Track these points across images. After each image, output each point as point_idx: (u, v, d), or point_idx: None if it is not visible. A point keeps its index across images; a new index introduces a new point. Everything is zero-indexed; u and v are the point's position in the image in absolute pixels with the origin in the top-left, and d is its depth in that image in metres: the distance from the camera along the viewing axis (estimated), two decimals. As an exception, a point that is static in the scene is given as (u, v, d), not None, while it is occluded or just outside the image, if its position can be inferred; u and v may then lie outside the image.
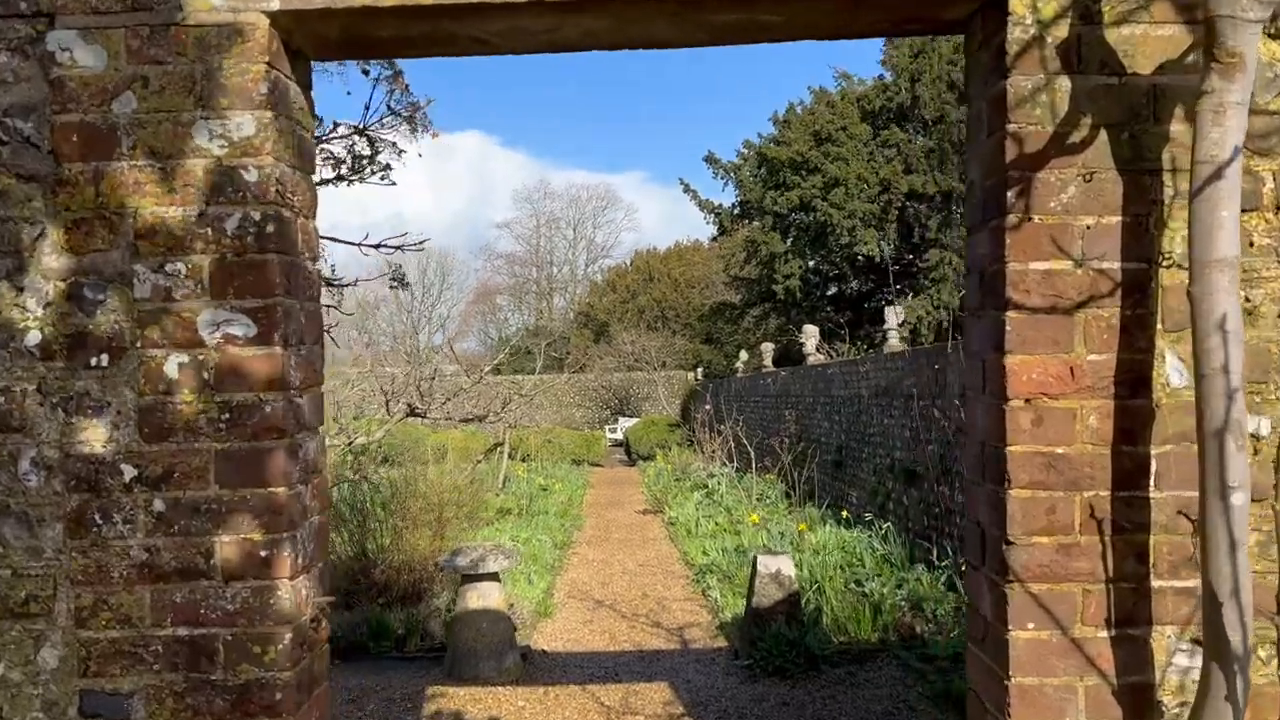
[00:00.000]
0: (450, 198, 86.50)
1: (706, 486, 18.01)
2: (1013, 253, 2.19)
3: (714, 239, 29.33)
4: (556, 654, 7.46)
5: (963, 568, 8.04)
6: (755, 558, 6.94)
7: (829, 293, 27.42)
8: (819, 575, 8.81)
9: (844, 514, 12.10)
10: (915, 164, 20.97)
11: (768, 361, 21.54)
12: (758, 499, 15.88)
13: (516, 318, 63.50)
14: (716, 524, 13.99)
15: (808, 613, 7.43)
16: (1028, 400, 2.19)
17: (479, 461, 22.54)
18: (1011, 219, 2.19)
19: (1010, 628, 2.19)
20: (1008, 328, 2.19)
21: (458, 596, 6.90)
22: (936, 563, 8.94)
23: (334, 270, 4.62)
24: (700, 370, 41.15)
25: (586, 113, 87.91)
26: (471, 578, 6.73)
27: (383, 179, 4.44)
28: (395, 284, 4.95)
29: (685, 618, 8.74)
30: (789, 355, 25.26)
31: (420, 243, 4.65)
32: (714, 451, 19.70)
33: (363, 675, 6.77)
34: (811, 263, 24.42)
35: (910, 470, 10.88)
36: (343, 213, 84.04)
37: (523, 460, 26.58)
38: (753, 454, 16.62)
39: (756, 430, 19.03)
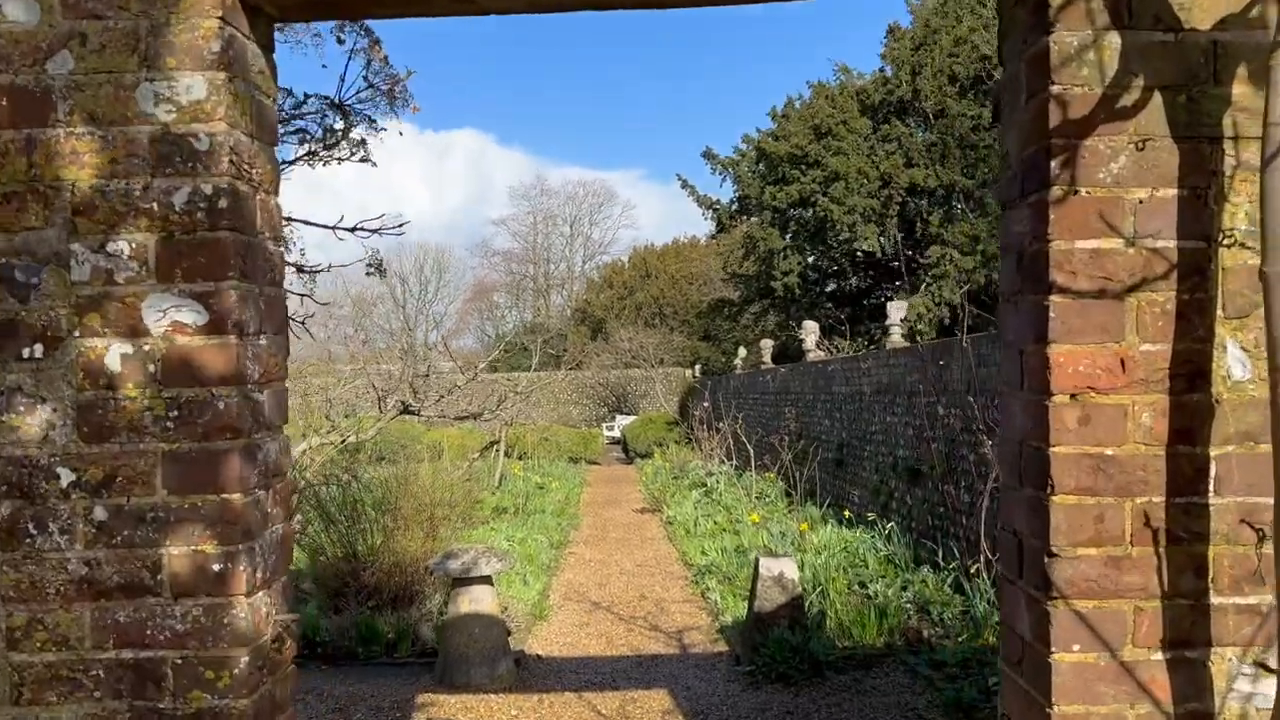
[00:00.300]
0: (448, 196, 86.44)
1: (705, 485, 17.80)
2: (1057, 230, 1.95)
3: (712, 235, 29.05)
4: (551, 659, 7.22)
5: (970, 569, 7.82)
6: (757, 560, 6.71)
7: (828, 289, 27.17)
8: (822, 577, 8.59)
9: (846, 513, 11.88)
10: (916, 158, 20.70)
11: (767, 358, 21.30)
12: (757, 498, 15.66)
13: (514, 315, 63.26)
14: (715, 523, 13.78)
15: (810, 616, 7.20)
16: (1073, 395, 1.95)
17: (475, 459, 22.37)
18: (1055, 191, 1.96)
19: (1053, 650, 1.95)
20: (1051, 314, 1.95)
21: (449, 601, 6.66)
22: (942, 564, 8.72)
23: (304, 255, 4.36)
24: (698, 367, 40.89)
25: (583, 110, 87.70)
26: (463, 581, 6.49)
27: (362, 159, 4.19)
28: (372, 270, 4.70)
29: (684, 620, 8.51)
30: (787, 352, 25.03)
31: (399, 226, 4.40)
32: (712, 450, 19.50)
33: (350, 682, 6.53)
34: (811, 259, 24.16)
35: (914, 469, 10.65)
36: (339, 210, 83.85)
37: (519, 458, 26.34)
38: (752, 452, 16.41)
39: (755, 428, 18.81)
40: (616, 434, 35.74)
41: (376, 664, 6.97)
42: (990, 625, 6.99)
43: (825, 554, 10.22)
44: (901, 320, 12.26)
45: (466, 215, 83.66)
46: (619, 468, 27.80)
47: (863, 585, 8.79)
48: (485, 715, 5.92)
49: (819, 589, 8.38)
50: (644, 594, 9.91)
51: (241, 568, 1.97)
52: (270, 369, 2.13)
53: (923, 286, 20.91)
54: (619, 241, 66.72)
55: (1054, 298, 1.95)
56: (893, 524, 10.27)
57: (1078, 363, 1.95)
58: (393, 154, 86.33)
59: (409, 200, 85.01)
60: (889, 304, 12.25)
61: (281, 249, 2.23)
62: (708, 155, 24.75)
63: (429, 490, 8.28)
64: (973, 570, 7.51)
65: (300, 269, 4.43)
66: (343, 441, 12.87)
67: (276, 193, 2.21)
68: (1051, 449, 1.95)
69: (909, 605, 7.95)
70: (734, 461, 17.61)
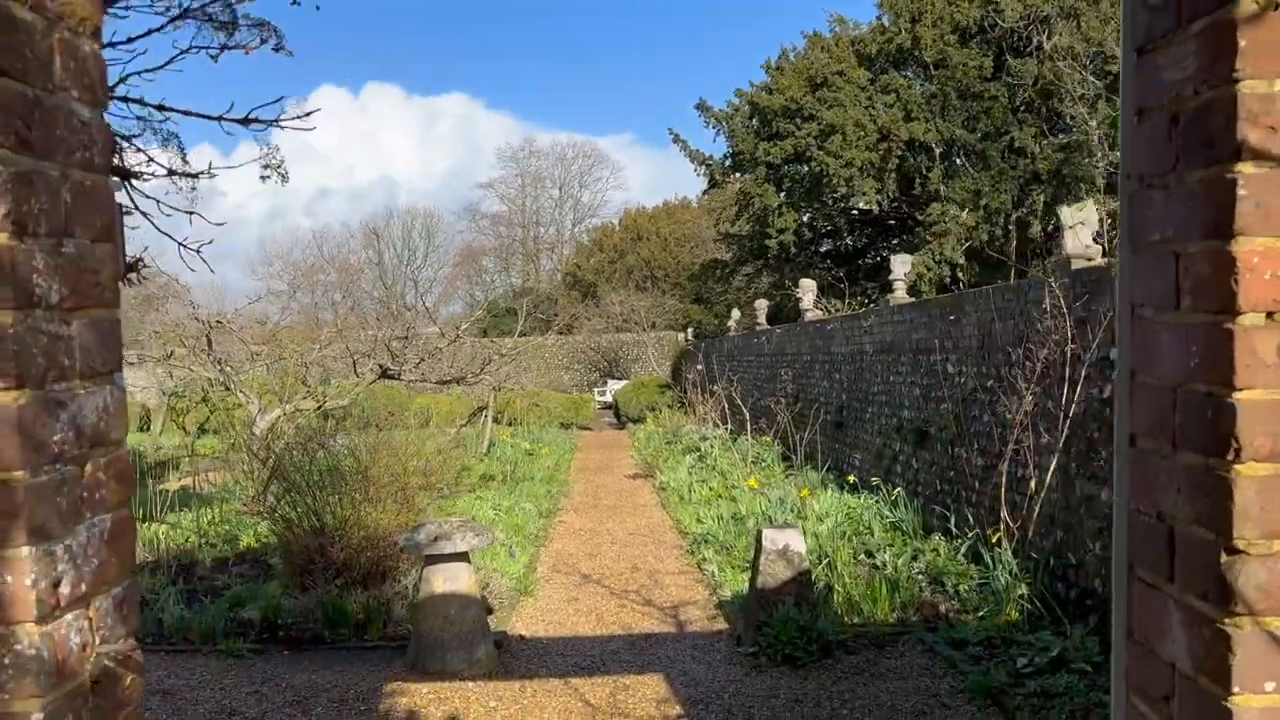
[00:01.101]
0: (437, 160, 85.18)
1: (699, 450, 17.26)
2: (1249, 63, 1.30)
3: (705, 192, 28.21)
4: (536, 640, 6.63)
5: (991, 538, 7.23)
6: (760, 532, 6.11)
7: (822, 249, 26.45)
8: (827, 547, 7.99)
9: (849, 479, 11.27)
10: (915, 111, 19.87)
11: (761, 319, 20.63)
12: (753, 462, 15.09)
13: (502, 280, 62.31)
14: (710, 489, 13.21)
15: (816, 590, 6.63)
16: (1270, 315, 1.30)
17: (463, 425, 21.82)
18: (1246, 6, 1.30)
19: (1235, 688, 1.32)
20: (1240, 192, 1.30)
21: (422, 579, 6.04)
22: (955, 531, 8.14)
23: (182, 150, 3.63)
24: (690, 330, 40.17)
25: (574, 73, 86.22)
26: (437, 558, 5.87)
27: (276, 48, 3.47)
28: (267, 173, 4.00)
29: (680, 594, 7.94)
30: (783, 313, 24.37)
31: (306, 115, 3.70)
32: (706, 414, 18.94)
33: (314, 670, 5.92)
34: (806, 216, 23.38)
35: (921, 430, 10.06)
36: (327, 176, 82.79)
37: (509, 424, 25.74)
38: (747, 415, 15.81)
39: (751, 391, 18.22)
40: (608, 399, 35.19)
41: (344, 648, 6.37)
42: (1013, 599, 6.42)
43: (828, 521, 9.65)
44: (905, 275, 11.61)
45: (456, 180, 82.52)
46: (611, 433, 27.25)
47: (869, 555, 8.22)
48: (460, 706, 5.33)
49: (824, 560, 7.81)
50: (637, 565, 9.34)
51: (29, 580, 1.32)
52: (84, 290, 1.47)
53: (922, 244, 20.22)
54: (609, 204, 65.50)
55: (1244, 167, 1.30)
56: (899, 489, 9.69)
57: (1278, 265, 1.30)
58: (380, 118, 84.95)
59: (397, 165, 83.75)
60: (892, 258, 11.58)
61: (106, 119, 1.56)
62: (701, 107, 23.83)
63: (403, 458, 7.63)
64: (993, 539, 6.93)
65: (175, 174, 3.71)
66: (318, 408, 12.22)
67: (95, 37, 1.53)
68: (1236, 394, 1.31)
69: (921, 576, 7.39)
70: (729, 426, 17.03)
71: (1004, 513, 7.00)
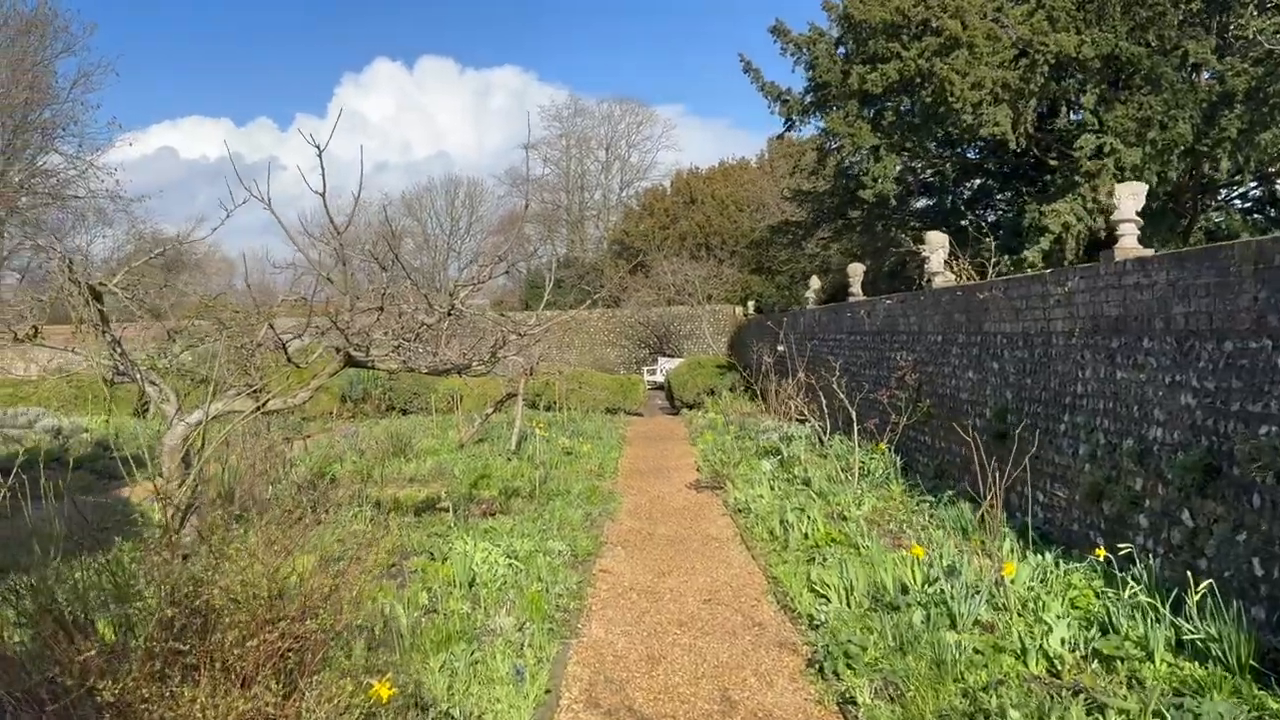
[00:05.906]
0: (490, 134, 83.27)
1: (780, 453, 13.30)
2: None
3: (779, 135, 23.79)
4: None
5: None
6: None
7: (916, 205, 22.07)
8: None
9: (1032, 523, 7.05)
10: (1062, 19, 15.37)
11: (856, 288, 16.43)
12: (861, 476, 11.06)
13: (547, 249, 58.40)
14: (811, 521, 9.17)
15: None
16: None
17: (491, 413, 17.97)
18: None
19: None
20: None
21: None
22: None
23: None
24: (751, 304, 35.95)
25: (627, 44, 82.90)
26: None
27: None
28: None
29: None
30: (873, 282, 20.14)
31: None
32: (789, 404, 14.94)
33: None
34: (916, 163, 18.92)
35: (1207, 466, 5.91)
36: (386, 151, 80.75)
37: (546, 409, 21.93)
38: (854, 413, 11.73)
39: (849, 380, 14.10)
40: (659, 378, 31.29)
41: None
42: None
43: (1060, 628, 5.58)
44: (1136, 212, 7.42)
45: (510, 157, 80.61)
46: (664, 420, 23.30)
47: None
48: None
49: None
50: (727, 692, 5.45)
51: None
52: None
53: (1062, 191, 15.82)
54: (659, 165, 60.45)
55: None
56: (1207, 583, 5.49)
57: None
58: (434, 91, 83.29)
59: (452, 140, 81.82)
60: (1119, 187, 7.39)
61: None
62: (777, 31, 19.47)
63: (272, 575, 3.64)
64: None
65: None
66: (258, 408, 8.37)
67: None
68: None
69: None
70: (824, 421, 12.94)
71: None
